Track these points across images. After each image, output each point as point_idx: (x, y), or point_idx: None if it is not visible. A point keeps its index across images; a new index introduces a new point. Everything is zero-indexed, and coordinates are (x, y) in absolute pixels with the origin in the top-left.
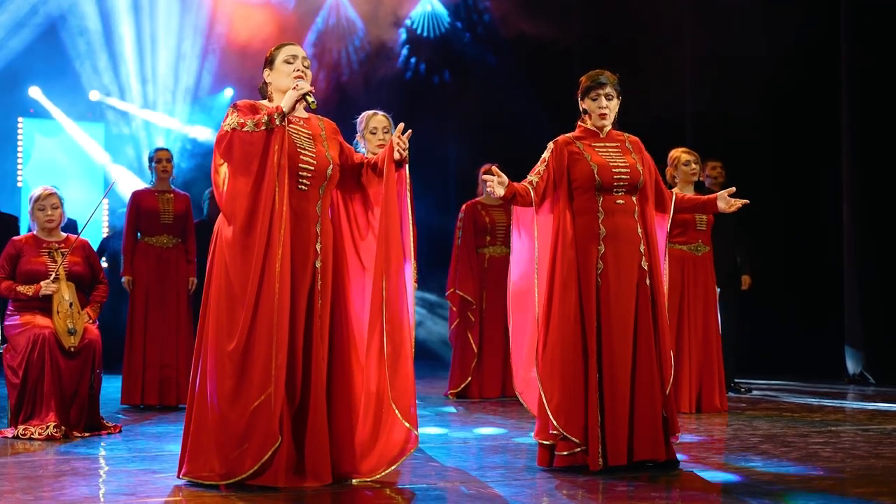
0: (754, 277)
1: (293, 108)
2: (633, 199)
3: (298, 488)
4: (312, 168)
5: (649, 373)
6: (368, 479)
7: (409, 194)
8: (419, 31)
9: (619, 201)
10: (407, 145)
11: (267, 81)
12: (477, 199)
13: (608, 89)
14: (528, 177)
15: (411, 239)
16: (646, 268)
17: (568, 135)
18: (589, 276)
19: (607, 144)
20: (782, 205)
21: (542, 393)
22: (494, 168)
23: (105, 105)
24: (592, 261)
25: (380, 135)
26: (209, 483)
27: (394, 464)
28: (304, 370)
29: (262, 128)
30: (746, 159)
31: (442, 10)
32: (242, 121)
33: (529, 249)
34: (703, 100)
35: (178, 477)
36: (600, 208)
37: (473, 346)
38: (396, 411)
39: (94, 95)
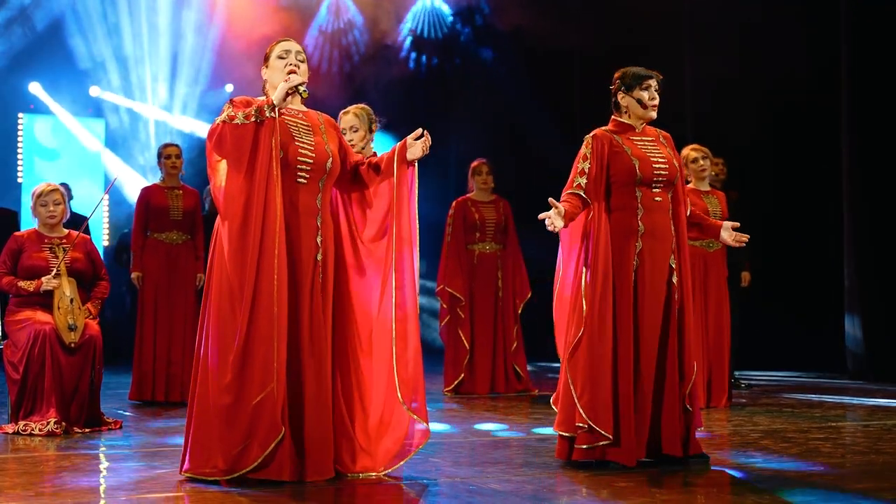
0: (754, 274)
1: (283, 100)
2: (668, 195)
3: (301, 483)
4: (311, 161)
5: (673, 370)
6: (374, 474)
7: (415, 193)
8: (420, 27)
9: (657, 198)
10: (427, 150)
11: (264, 79)
12: (467, 195)
13: (655, 82)
14: (574, 177)
15: (417, 235)
16: (674, 266)
17: (603, 128)
18: (626, 272)
19: (644, 138)
20: (783, 202)
21: (572, 386)
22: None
23: (105, 101)
24: (630, 257)
25: (349, 135)
26: (211, 479)
27: (402, 458)
28: (308, 364)
29: (252, 119)
30: (747, 158)
31: (442, 7)
32: (233, 113)
33: (578, 248)
34: (704, 99)
35: (181, 473)
36: (639, 205)
37: (465, 342)
38: (404, 406)
39: (94, 91)
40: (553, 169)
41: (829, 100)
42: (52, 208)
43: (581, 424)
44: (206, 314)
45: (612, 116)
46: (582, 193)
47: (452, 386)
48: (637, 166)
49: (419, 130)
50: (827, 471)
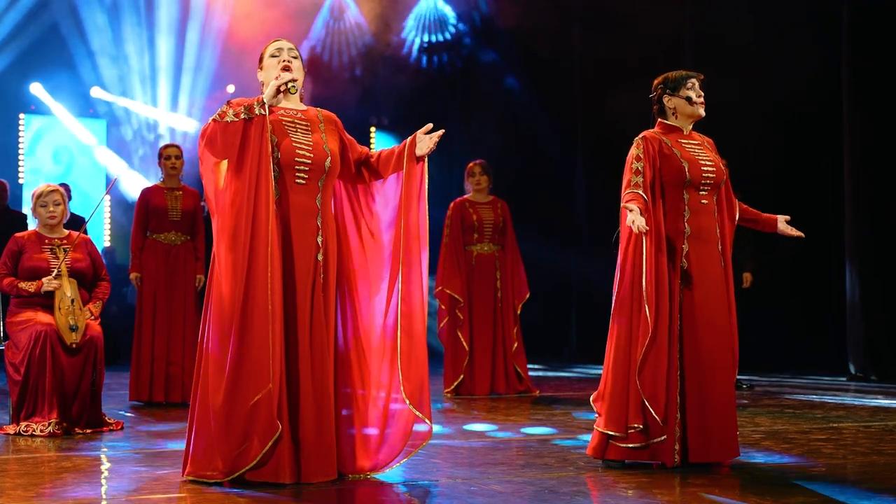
0: (756, 275)
1: (274, 97)
2: (714, 199)
3: (302, 484)
4: (309, 161)
5: (729, 374)
6: (377, 474)
7: (425, 188)
8: (423, 29)
9: (703, 201)
10: (434, 146)
11: (260, 81)
12: (465, 196)
13: (698, 81)
14: (630, 178)
15: (427, 232)
16: (723, 267)
17: (651, 131)
18: (675, 275)
19: (691, 142)
20: (784, 203)
21: (641, 387)
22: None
23: (106, 101)
24: (677, 259)
25: None
26: (213, 482)
27: (405, 457)
28: (308, 365)
29: (242, 117)
30: (749, 159)
31: (445, 8)
32: (224, 111)
33: (631, 249)
34: (706, 100)
35: (183, 476)
36: (686, 207)
37: (465, 344)
38: (409, 403)
39: (95, 92)
40: (555, 169)
41: (831, 100)
42: (51, 209)
43: (638, 425)
44: (206, 316)
45: (658, 120)
46: (641, 192)
47: (452, 387)
48: (686, 168)
49: (429, 125)
50: (828, 471)
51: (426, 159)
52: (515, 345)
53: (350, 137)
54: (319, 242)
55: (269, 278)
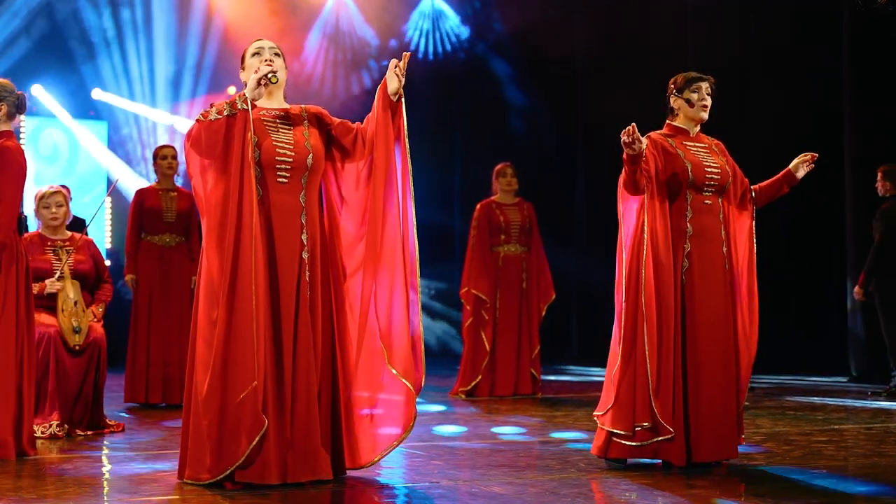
0: (757, 276)
1: (255, 90)
2: (720, 200)
3: (296, 484)
4: (290, 160)
5: (731, 374)
6: (377, 459)
7: (404, 128)
8: (423, 30)
9: (707, 202)
10: (403, 74)
11: (243, 81)
12: (491, 198)
13: (708, 86)
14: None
15: (411, 183)
16: (727, 269)
17: (658, 132)
18: (675, 274)
19: (697, 144)
20: (786, 204)
21: (651, 383)
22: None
23: (107, 104)
24: (679, 259)
25: None
26: (207, 482)
27: (404, 431)
28: (294, 363)
29: (225, 113)
30: (749, 166)
31: (444, 8)
32: (207, 111)
33: (630, 246)
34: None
35: (180, 480)
36: (689, 207)
37: (486, 344)
38: (393, 369)
39: (96, 94)
40: (555, 169)
41: (832, 99)
42: (54, 210)
43: (646, 423)
44: (196, 317)
45: (667, 121)
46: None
47: (468, 388)
48: (689, 169)
49: (395, 60)
50: (829, 473)
51: (402, 99)
52: (538, 347)
53: (341, 120)
54: (304, 240)
55: (253, 275)
